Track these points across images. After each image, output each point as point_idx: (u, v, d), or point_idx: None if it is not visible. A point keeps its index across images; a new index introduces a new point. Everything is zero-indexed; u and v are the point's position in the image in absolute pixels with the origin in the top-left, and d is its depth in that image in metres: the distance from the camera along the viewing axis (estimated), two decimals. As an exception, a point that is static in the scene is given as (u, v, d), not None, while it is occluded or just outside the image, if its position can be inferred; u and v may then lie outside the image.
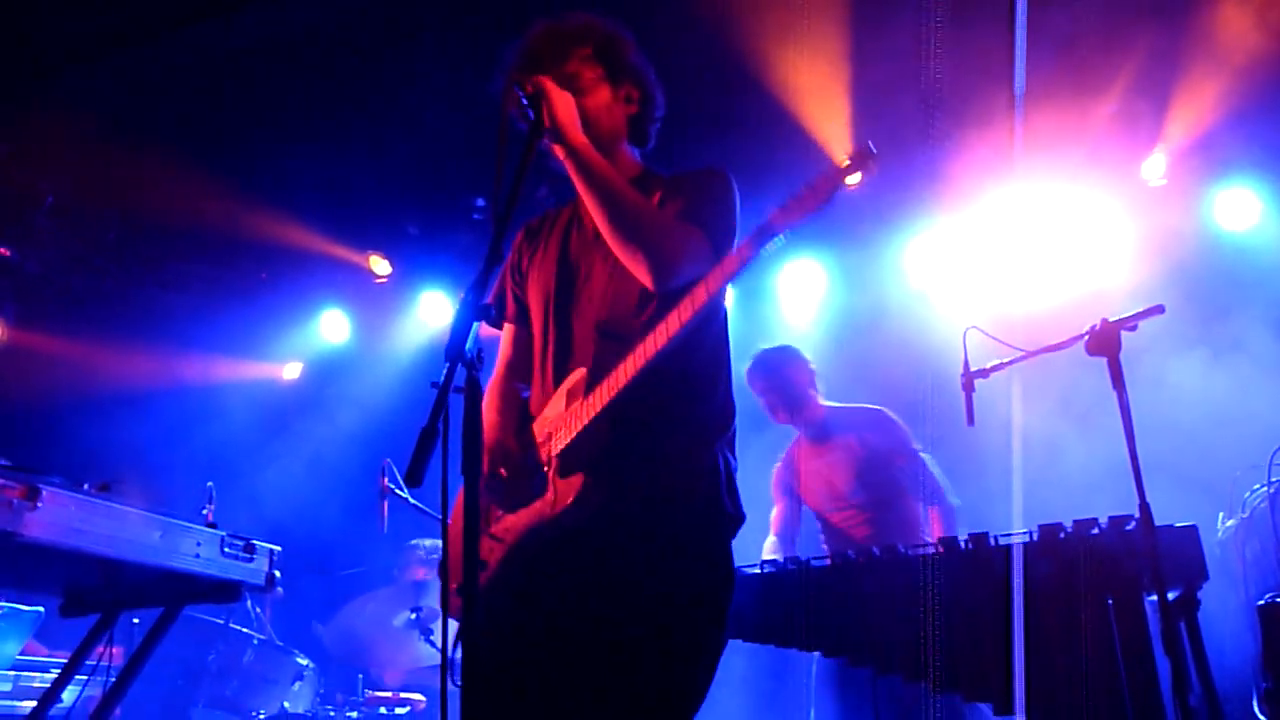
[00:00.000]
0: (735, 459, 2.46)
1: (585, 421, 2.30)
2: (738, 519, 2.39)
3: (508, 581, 2.34)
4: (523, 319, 2.68)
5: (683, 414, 2.37)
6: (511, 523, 2.40)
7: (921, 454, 4.51)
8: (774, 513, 4.69)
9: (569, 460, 2.32)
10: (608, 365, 2.31)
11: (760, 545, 4.54)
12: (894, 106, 5.60)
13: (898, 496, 4.44)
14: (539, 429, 2.45)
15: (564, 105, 2.36)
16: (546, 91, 2.34)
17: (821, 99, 5.62)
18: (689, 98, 5.55)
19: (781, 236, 2.23)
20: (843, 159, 2.17)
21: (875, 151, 2.16)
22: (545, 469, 2.35)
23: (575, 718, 2.22)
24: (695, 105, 5.54)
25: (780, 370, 4.63)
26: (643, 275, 2.33)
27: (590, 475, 2.27)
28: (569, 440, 2.33)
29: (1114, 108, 5.65)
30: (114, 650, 3.13)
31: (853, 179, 2.17)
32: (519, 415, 2.58)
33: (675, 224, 2.38)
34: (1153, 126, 5.68)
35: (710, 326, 2.48)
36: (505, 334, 2.76)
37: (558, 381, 2.46)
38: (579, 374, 2.39)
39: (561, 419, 2.37)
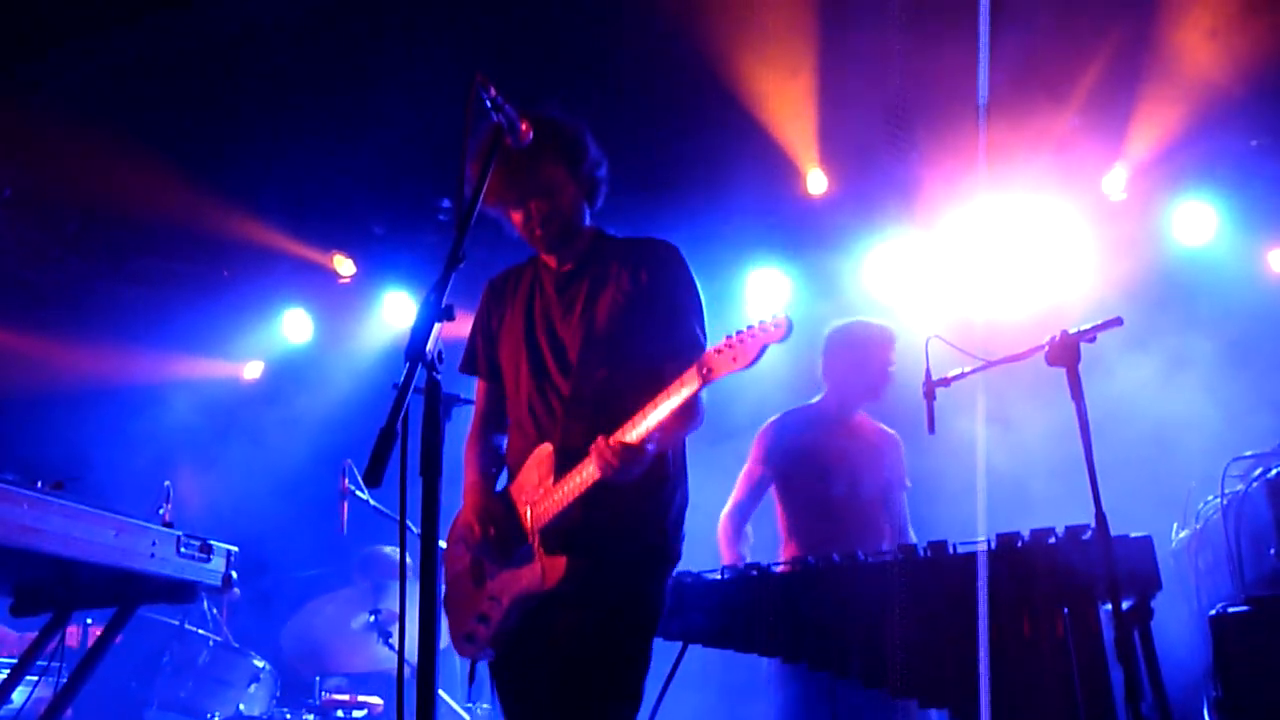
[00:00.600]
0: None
1: (562, 505, 2.59)
2: (678, 559, 2.78)
3: (509, 640, 2.70)
4: (494, 375, 2.93)
5: (652, 489, 2.67)
6: (505, 584, 2.68)
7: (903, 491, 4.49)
8: (743, 473, 4.51)
9: (552, 539, 2.62)
10: (575, 445, 2.60)
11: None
12: (859, 117, 5.65)
13: (880, 512, 4.37)
14: (516, 494, 2.73)
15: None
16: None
17: (789, 110, 5.66)
18: (657, 107, 5.59)
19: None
20: (773, 320, 2.40)
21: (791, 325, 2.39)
22: (530, 542, 2.64)
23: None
24: (663, 114, 5.57)
25: (873, 353, 4.45)
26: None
27: (574, 554, 2.57)
28: (548, 520, 2.62)
29: (1076, 122, 5.72)
30: (69, 633, 3.09)
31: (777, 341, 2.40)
32: (497, 470, 2.91)
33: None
34: (1114, 141, 5.76)
35: None
36: (479, 389, 3.02)
37: (529, 443, 2.74)
38: (546, 451, 2.67)
39: (536, 493, 2.66)
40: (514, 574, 2.66)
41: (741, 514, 4.46)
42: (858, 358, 4.46)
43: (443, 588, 2.88)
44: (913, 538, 4.37)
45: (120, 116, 5.77)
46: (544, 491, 2.64)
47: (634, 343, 2.68)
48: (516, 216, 2.79)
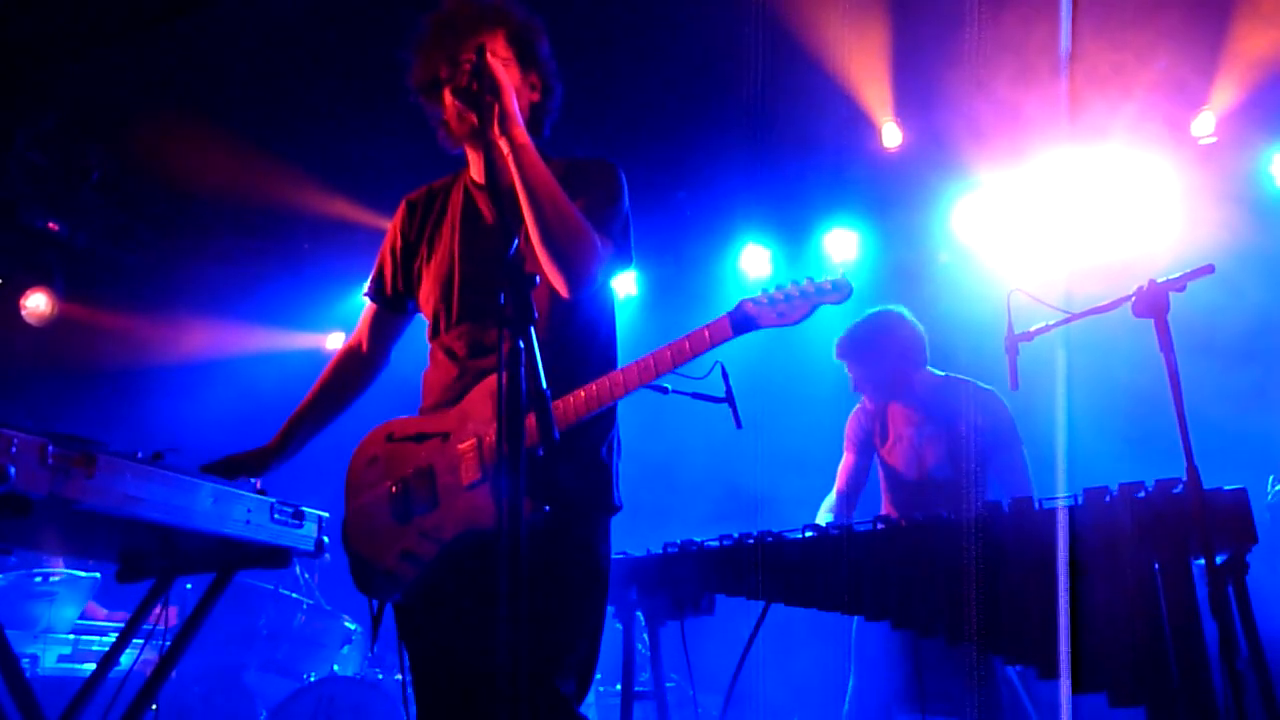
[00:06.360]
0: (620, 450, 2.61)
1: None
2: (619, 508, 2.55)
3: (445, 581, 2.45)
4: (394, 304, 2.80)
5: (603, 432, 2.50)
6: (445, 520, 2.43)
7: (1022, 447, 4.24)
8: (841, 465, 4.48)
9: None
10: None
11: (815, 500, 4.48)
12: (939, 66, 5.53)
13: (965, 489, 4.16)
14: (462, 421, 2.46)
15: (510, 96, 2.39)
16: (496, 80, 2.35)
17: (863, 63, 5.56)
18: (730, 64, 5.52)
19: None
20: (830, 281, 2.38)
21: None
22: (483, 477, 2.37)
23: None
24: (736, 71, 5.51)
25: (873, 350, 4.31)
26: (557, 281, 2.39)
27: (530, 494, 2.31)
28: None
29: (1162, 64, 5.54)
30: (170, 612, 3.20)
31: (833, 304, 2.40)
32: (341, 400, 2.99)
33: (594, 236, 2.42)
34: (1202, 83, 5.57)
35: (601, 331, 2.57)
36: (366, 312, 2.88)
37: (465, 374, 2.52)
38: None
39: (490, 426, 2.38)
40: (460, 510, 2.40)
41: (848, 495, 4.43)
42: (849, 365, 4.38)
43: (346, 513, 2.69)
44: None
45: (204, 98, 5.89)
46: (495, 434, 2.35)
47: None
48: (447, 99, 2.58)
